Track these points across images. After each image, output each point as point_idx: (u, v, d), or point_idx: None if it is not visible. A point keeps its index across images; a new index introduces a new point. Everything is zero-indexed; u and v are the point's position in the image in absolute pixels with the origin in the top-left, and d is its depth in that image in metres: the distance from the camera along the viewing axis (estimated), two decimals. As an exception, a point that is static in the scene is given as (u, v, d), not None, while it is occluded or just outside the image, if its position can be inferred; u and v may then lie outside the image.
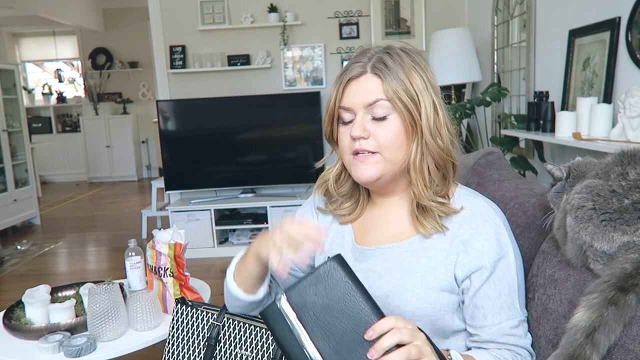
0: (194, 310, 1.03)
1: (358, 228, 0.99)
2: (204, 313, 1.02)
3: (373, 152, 0.87)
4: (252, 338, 0.94)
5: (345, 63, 4.20)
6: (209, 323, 1.00)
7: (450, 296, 0.87)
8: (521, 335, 0.86)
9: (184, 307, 1.04)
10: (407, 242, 0.91)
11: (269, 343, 0.92)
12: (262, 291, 0.94)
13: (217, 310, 1.01)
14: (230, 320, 0.98)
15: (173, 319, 1.04)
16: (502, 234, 0.87)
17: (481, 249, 0.86)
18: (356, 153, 0.88)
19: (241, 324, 0.96)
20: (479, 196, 0.93)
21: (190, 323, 1.02)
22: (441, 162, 0.89)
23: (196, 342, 1.00)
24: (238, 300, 0.94)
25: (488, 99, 2.76)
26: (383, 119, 0.86)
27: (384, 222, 0.95)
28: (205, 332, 1.00)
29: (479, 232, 0.86)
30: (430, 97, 0.87)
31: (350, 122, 0.89)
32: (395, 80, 0.85)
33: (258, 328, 0.95)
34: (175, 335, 1.03)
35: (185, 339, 1.02)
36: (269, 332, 0.93)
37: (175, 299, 1.07)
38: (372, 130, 0.87)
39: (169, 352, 1.03)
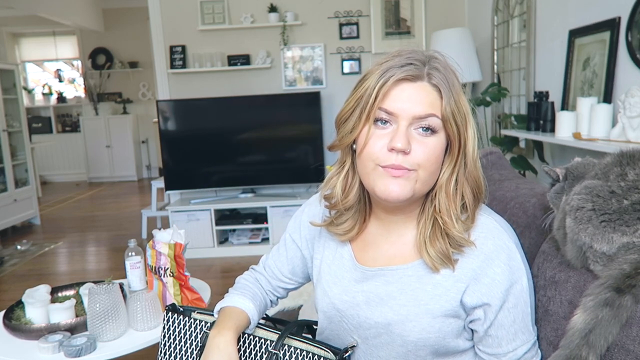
0: (186, 318, 0.98)
1: (356, 245, 0.92)
2: (197, 321, 0.97)
3: (410, 170, 0.77)
4: (246, 347, 0.91)
5: (345, 63, 4.19)
6: (202, 332, 0.95)
7: (455, 322, 0.82)
8: (533, 355, 0.84)
9: (175, 314, 0.99)
10: (412, 265, 0.84)
11: (262, 352, 0.90)
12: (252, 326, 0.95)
13: (210, 316, 0.97)
14: None
15: (164, 328, 1.00)
16: (515, 258, 0.81)
17: (494, 276, 0.79)
18: (390, 167, 0.77)
19: None
20: (489, 214, 0.86)
21: (182, 332, 0.98)
22: (477, 190, 0.82)
23: (189, 351, 0.96)
24: None
25: (488, 99, 2.76)
26: (429, 134, 0.77)
27: (387, 241, 0.89)
28: (197, 341, 0.96)
29: (491, 259, 0.80)
30: (473, 122, 0.80)
31: (386, 124, 0.78)
32: (452, 98, 0.77)
33: (252, 336, 0.92)
34: (167, 344, 0.99)
35: (178, 348, 0.97)
36: (262, 340, 0.91)
37: (166, 307, 1.02)
38: (414, 146, 0.77)
39: None
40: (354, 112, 0.80)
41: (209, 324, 0.95)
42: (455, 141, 0.79)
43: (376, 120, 0.79)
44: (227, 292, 1.02)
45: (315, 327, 1.02)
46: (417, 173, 0.78)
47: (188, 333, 0.97)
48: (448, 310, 0.81)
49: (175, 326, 0.99)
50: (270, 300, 1.08)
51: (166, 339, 0.99)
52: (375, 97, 0.77)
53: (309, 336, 1.00)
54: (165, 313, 1.01)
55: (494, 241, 0.81)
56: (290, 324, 0.92)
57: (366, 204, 0.90)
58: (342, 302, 0.89)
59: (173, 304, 1.02)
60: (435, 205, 0.82)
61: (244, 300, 0.95)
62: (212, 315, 0.97)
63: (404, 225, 0.87)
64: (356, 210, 0.90)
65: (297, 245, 1.03)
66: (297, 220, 1.04)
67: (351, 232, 0.90)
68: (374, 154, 0.78)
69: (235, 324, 0.90)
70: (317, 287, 0.95)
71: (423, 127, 0.77)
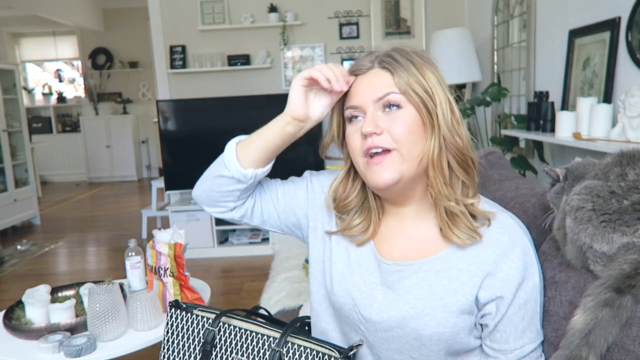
0: (189, 314, 0.99)
1: (375, 238, 0.93)
2: (199, 317, 0.98)
3: (389, 150, 0.81)
4: (249, 344, 0.92)
5: (345, 63, 4.20)
6: (204, 328, 0.96)
7: (469, 317, 0.83)
8: (539, 356, 0.84)
9: (178, 311, 1.01)
10: (429, 260, 0.85)
11: (265, 349, 0.90)
12: (251, 172, 0.91)
13: (212, 313, 0.97)
14: (226, 326, 0.95)
15: (167, 324, 1.01)
16: (529, 254, 0.83)
17: (508, 271, 0.81)
18: (370, 154, 0.82)
19: (237, 328, 0.93)
20: (504, 211, 0.88)
21: (185, 328, 0.99)
22: (462, 157, 0.83)
23: (191, 347, 0.97)
24: (226, 169, 0.92)
25: (488, 99, 2.76)
26: (395, 110, 0.81)
27: (401, 234, 0.90)
28: (200, 337, 0.96)
29: (506, 253, 0.81)
30: (445, 93, 0.83)
31: (359, 119, 0.84)
32: (407, 72, 0.81)
33: (254, 333, 0.92)
34: (170, 340, 1.00)
35: (181, 344, 0.98)
36: (264, 337, 0.91)
37: (169, 303, 1.03)
38: (385, 125, 0.81)
39: (164, 357, 1.00)
40: (334, 121, 0.91)
41: (210, 320, 0.96)
42: (423, 111, 0.81)
43: (350, 119, 0.86)
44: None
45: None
46: (398, 152, 0.81)
47: (191, 329, 0.98)
48: (464, 304, 0.82)
49: (178, 322, 1.00)
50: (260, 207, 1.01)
51: (169, 334, 1.00)
52: (342, 99, 0.87)
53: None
54: (168, 308, 1.02)
55: (509, 237, 0.83)
56: (293, 321, 0.92)
57: (376, 206, 0.91)
58: (360, 292, 0.89)
59: (176, 301, 1.02)
60: (428, 182, 0.84)
61: None
62: (213, 313, 0.97)
63: (417, 218, 0.88)
64: (368, 212, 0.92)
65: (307, 197, 0.98)
66: (324, 180, 0.99)
67: (367, 232, 0.91)
68: (355, 147, 0.84)
69: None
70: (333, 269, 0.93)
71: (387, 105, 0.82)
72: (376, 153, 0.81)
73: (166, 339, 1.01)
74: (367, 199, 0.91)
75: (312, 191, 0.99)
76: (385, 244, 0.91)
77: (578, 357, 0.70)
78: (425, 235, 0.87)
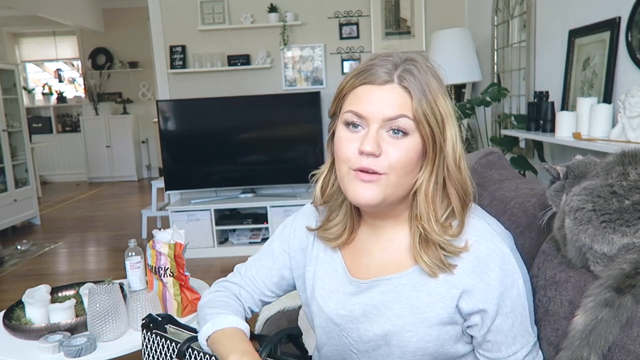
0: (160, 339, 0.95)
1: (348, 254, 0.91)
2: (168, 343, 0.94)
3: (380, 174, 0.77)
4: None
5: (345, 63, 4.18)
6: (175, 354, 0.92)
7: (453, 328, 0.81)
8: (534, 357, 0.83)
9: (149, 333, 0.97)
10: (406, 273, 0.83)
11: None
12: None
13: (187, 333, 0.94)
14: (196, 352, 0.90)
15: (143, 345, 0.98)
16: (509, 261, 0.79)
17: (488, 281, 0.78)
18: (360, 170, 0.77)
19: (207, 356, 0.89)
20: (482, 216, 0.85)
21: (158, 351, 0.95)
22: (464, 193, 0.80)
23: None
24: None
25: (488, 99, 2.76)
26: (401, 136, 0.76)
27: (378, 247, 0.87)
28: None
29: (484, 263, 0.78)
30: (454, 124, 0.79)
31: (358, 128, 0.78)
32: (425, 99, 0.76)
33: None
34: None
35: None
36: None
37: (142, 323, 0.99)
38: (386, 148, 0.76)
39: None
40: (334, 112, 0.84)
41: (178, 345, 0.92)
42: (429, 142, 0.77)
43: (348, 124, 0.79)
44: (205, 307, 0.96)
45: (294, 333, 1.00)
46: (387, 177, 0.77)
47: (163, 353, 0.95)
48: (444, 317, 0.80)
49: (151, 344, 0.97)
50: (246, 317, 1.03)
51: (146, 355, 0.98)
52: (344, 96, 0.81)
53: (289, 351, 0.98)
54: (141, 330, 0.99)
55: (486, 245, 0.80)
56: (267, 341, 0.86)
57: (353, 210, 0.89)
58: (340, 317, 0.88)
59: (150, 316, 1.00)
60: (415, 211, 0.81)
61: (239, 320, 0.91)
62: (190, 333, 0.94)
63: (393, 230, 0.86)
64: (345, 214, 0.89)
65: (287, 254, 0.99)
66: (288, 228, 1.01)
67: (341, 237, 0.89)
68: (346, 156, 0.79)
69: (250, 346, 0.86)
70: (311, 302, 0.93)
71: (394, 129, 0.77)
72: (366, 172, 0.77)
73: None
74: (346, 200, 0.88)
75: (283, 252, 0.99)
76: (362, 258, 0.89)
77: (579, 358, 0.70)
78: (401, 246, 0.85)
